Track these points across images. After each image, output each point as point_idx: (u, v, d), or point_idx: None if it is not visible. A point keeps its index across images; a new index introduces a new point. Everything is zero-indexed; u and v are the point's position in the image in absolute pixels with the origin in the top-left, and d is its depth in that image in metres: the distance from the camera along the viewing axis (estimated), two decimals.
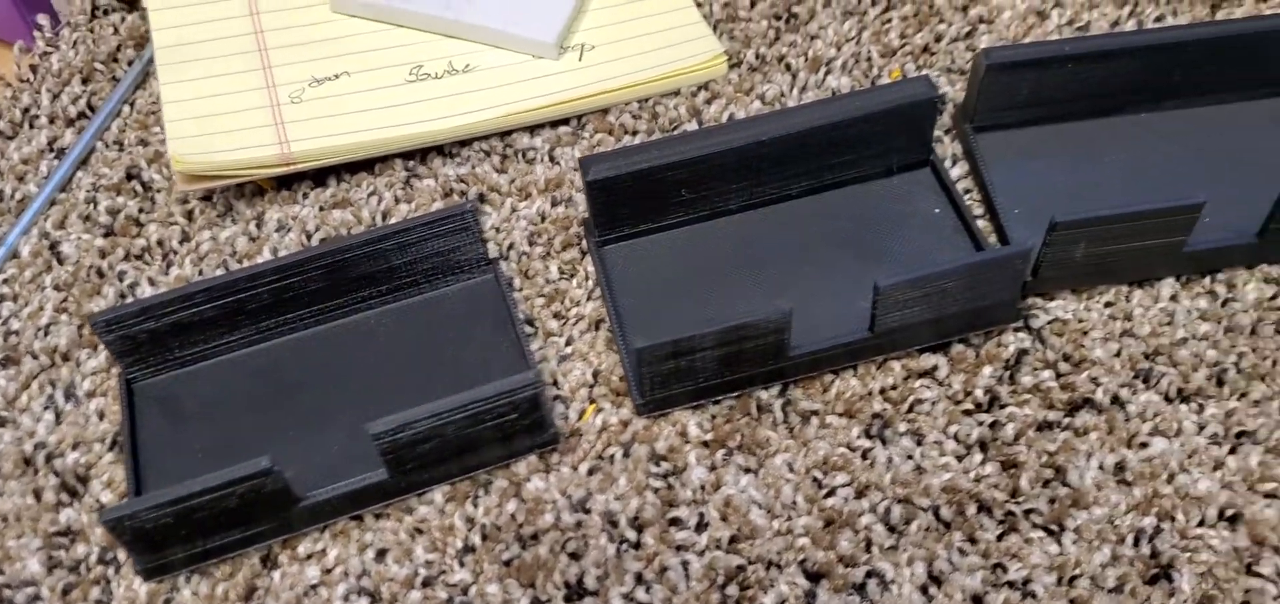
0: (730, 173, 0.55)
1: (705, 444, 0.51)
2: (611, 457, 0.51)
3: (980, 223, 0.57)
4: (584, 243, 0.57)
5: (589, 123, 0.63)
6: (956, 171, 0.59)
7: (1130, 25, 0.64)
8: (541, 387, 0.47)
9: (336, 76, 0.63)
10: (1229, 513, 0.48)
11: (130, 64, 0.68)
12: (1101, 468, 0.49)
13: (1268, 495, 0.48)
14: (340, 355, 0.53)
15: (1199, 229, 0.54)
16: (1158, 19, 0.64)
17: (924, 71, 0.63)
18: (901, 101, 0.54)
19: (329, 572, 0.48)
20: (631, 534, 0.48)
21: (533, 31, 0.63)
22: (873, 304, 0.49)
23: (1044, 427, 0.51)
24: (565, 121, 0.63)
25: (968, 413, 0.51)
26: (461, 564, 0.48)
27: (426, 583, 0.47)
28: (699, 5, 0.66)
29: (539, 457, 0.51)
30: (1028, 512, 0.48)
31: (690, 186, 0.55)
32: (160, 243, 0.59)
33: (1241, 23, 0.57)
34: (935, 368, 0.53)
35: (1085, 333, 0.53)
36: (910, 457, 0.50)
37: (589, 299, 0.56)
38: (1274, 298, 0.54)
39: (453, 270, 0.55)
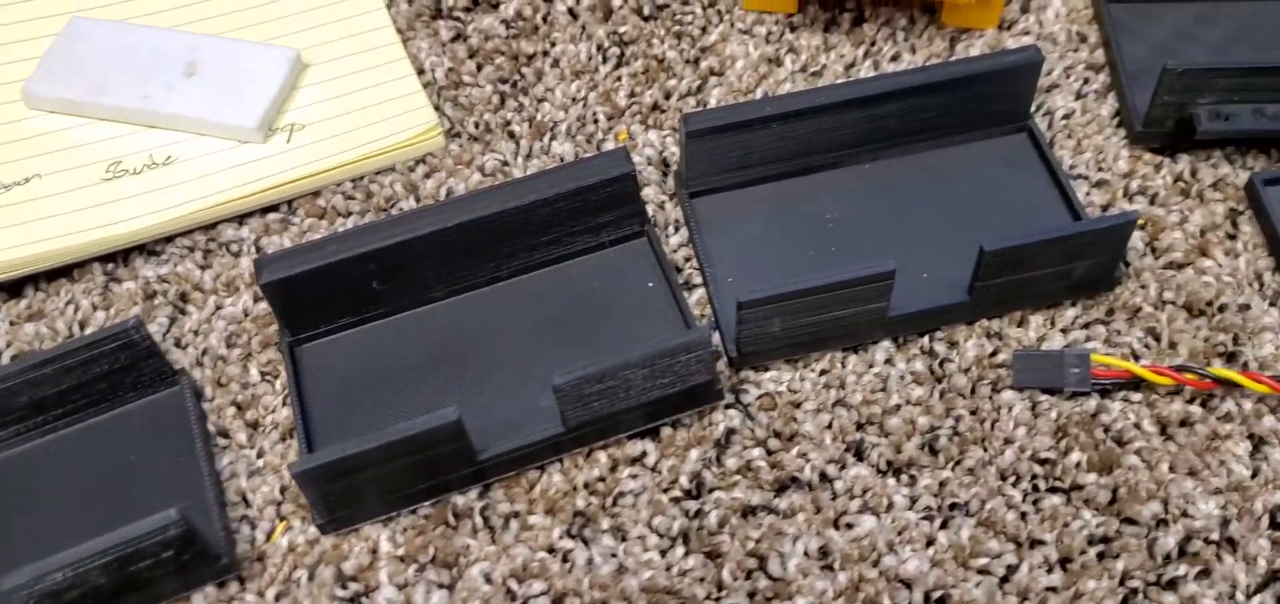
0: (427, 260, 0.52)
1: (399, 559, 0.48)
2: (298, 580, 0.47)
3: (700, 292, 0.54)
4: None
5: (300, 207, 0.59)
6: (678, 239, 0.56)
7: (866, 68, 0.62)
8: (187, 525, 0.44)
9: (27, 180, 0.59)
10: (937, 595, 0.46)
11: None
12: (806, 553, 0.47)
13: (980, 572, 0.46)
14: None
15: (915, 285, 0.52)
16: (894, 58, 0.62)
17: (652, 131, 0.60)
18: (601, 177, 0.52)
19: None
20: None
21: (235, 116, 0.60)
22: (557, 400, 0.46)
23: (749, 511, 0.48)
24: (274, 208, 0.59)
25: (675, 501, 0.49)
26: None
27: None
28: (422, 73, 0.63)
29: (218, 587, 0.47)
30: None
31: (384, 278, 0.52)
32: None
33: (955, 65, 0.55)
34: (644, 454, 0.50)
35: (798, 405, 0.51)
36: (614, 555, 0.48)
37: (284, 405, 0.52)
38: (993, 354, 0.52)
39: (130, 388, 0.51)
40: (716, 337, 0.52)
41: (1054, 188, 0.55)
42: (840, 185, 0.56)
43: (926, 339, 0.53)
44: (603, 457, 0.50)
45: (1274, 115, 0.54)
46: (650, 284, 0.54)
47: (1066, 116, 0.59)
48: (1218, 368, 0.50)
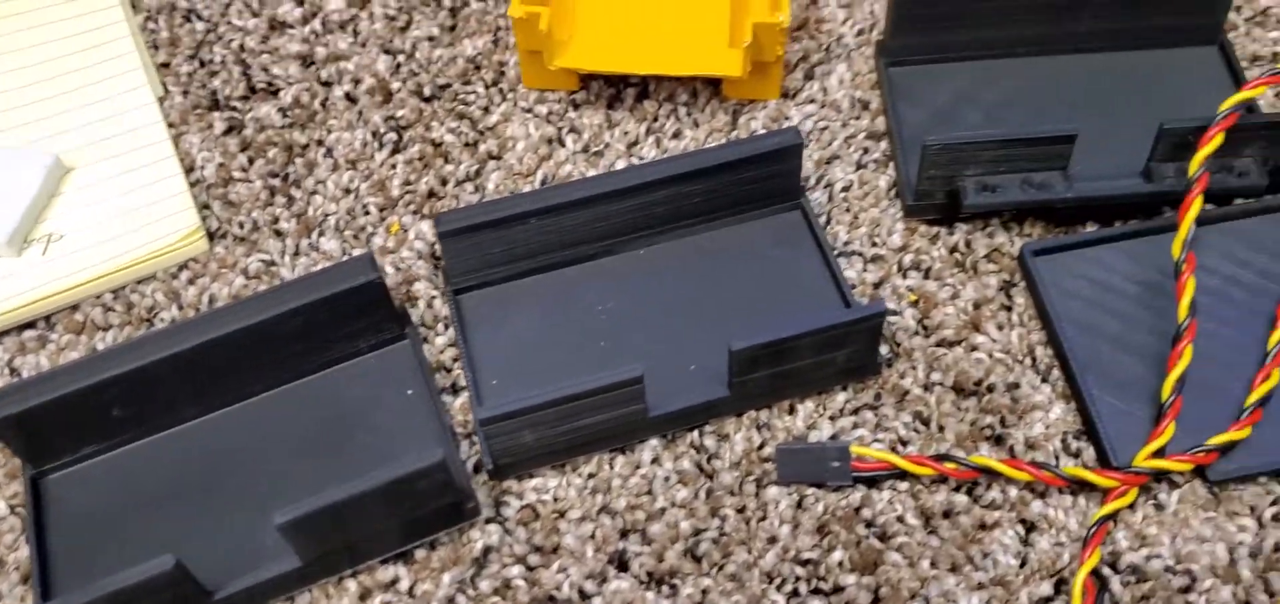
0: (171, 382, 0.50)
1: None
2: None
3: (466, 395, 0.52)
4: None
5: (59, 323, 0.56)
6: (447, 337, 0.54)
7: (649, 144, 0.61)
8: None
9: None
10: None
11: None
12: None
13: None
14: None
15: (682, 379, 0.51)
16: (676, 135, 0.61)
17: (425, 221, 0.58)
18: (346, 285, 0.50)
19: None
20: None
21: None
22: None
23: None
24: (31, 325, 0.56)
25: None
26: None
27: None
28: (191, 170, 0.61)
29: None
30: None
31: (125, 404, 0.49)
32: None
33: (715, 152, 0.54)
34: (396, 580, 0.48)
35: (562, 514, 0.49)
36: None
37: (24, 542, 0.50)
38: (761, 447, 0.50)
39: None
40: (479, 445, 0.50)
41: (826, 268, 0.54)
42: (613, 274, 0.55)
43: (697, 433, 0.51)
44: (353, 585, 0.48)
45: (1041, 185, 0.53)
46: (410, 391, 0.52)
47: (846, 189, 0.58)
48: (979, 456, 0.49)
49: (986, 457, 0.49)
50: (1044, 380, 0.52)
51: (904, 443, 0.51)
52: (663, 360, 0.51)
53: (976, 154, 0.52)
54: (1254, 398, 0.47)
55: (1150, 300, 0.51)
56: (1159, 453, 0.47)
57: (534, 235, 0.53)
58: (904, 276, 0.55)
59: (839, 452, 0.48)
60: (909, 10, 0.58)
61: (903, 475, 0.49)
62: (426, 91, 0.64)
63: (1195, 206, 0.48)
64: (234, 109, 0.64)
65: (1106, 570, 0.47)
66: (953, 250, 0.56)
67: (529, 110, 0.63)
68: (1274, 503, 0.48)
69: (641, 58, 0.59)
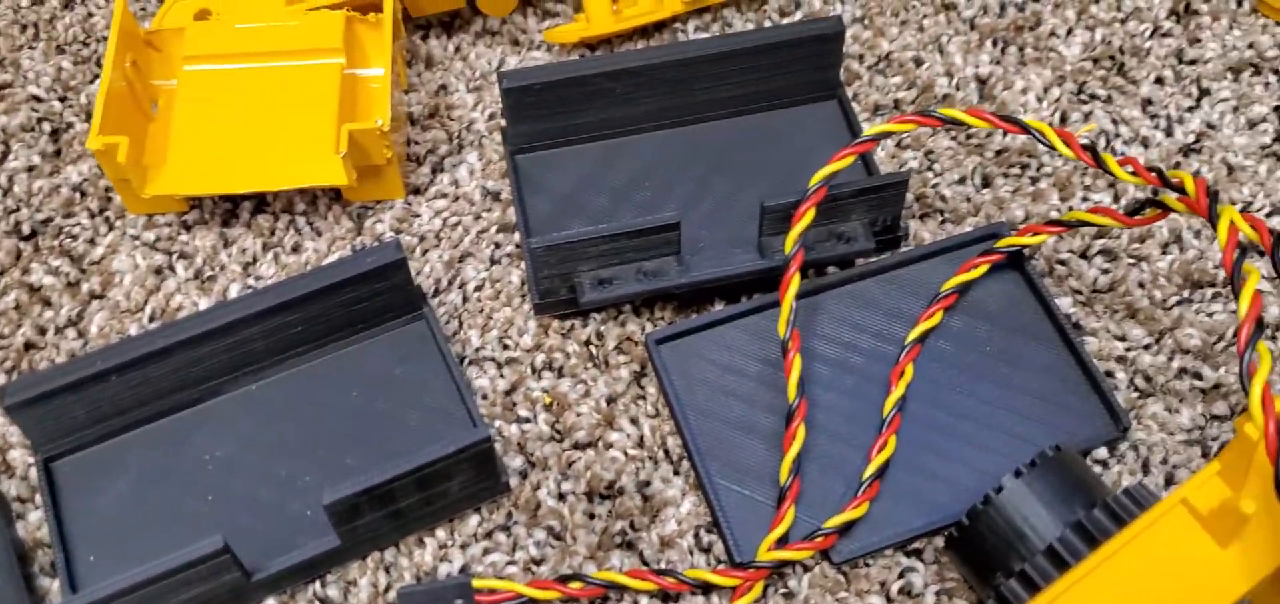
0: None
1: None
2: None
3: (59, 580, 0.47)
4: None
5: None
6: (39, 514, 0.49)
7: (268, 265, 0.57)
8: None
9: None
10: None
11: None
12: None
13: None
14: None
15: (293, 530, 0.48)
16: (296, 248, 0.57)
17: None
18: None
19: None
20: None
21: None
22: None
23: None
24: None
25: None
26: None
27: None
28: None
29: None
30: None
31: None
32: None
33: (303, 280, 0.50)
34: None
35: None
36: None
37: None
38: (387, 591, 0.47)
39: None
40: None
41: (453, 383, 0.51)
42: (222, 417, 0.51)
43: (319, 583, 0.48)
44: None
45: (654, 272, 0.52)
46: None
47: (478, 289, 0.56)
48: (605, 571, 0.47)
49: (612, 570, 0.47)
50: (676, 473, 0.50)
51: (538, 563, 0.49)
52: (274, 510, 0.48)
53: (585, 250, 0.51)
54: (871, 471, 0.47)
55: (772, 378, 0.51)
56: (782, 541, 0.46)
57: (121, 390, 0.49)
58: (538, 378, 0.53)
59: (460, 588, 0.46)
60: (520, 99, 0.55)
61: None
62: (25, 229, 0.59)
63: (794, 284, 0.48)
64: None
65: None
66: (585, 344, 0.54)
67: (137, 238, 0.58)
68: (900, 575, 0.47)
69: (242, 175, 0.55)
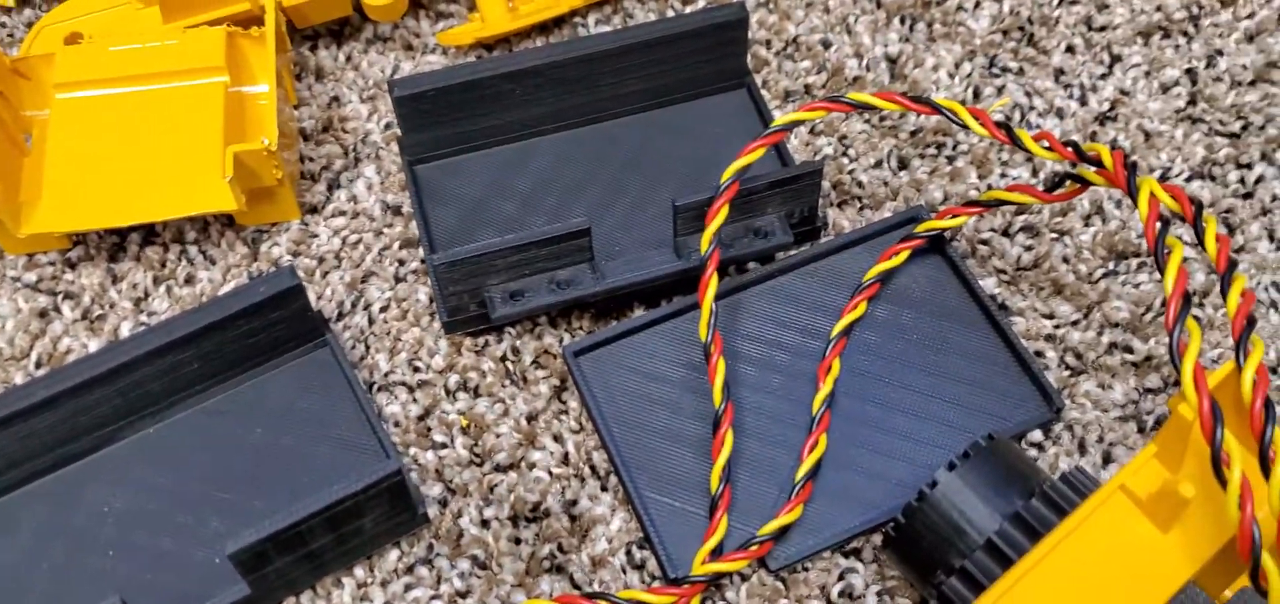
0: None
1: None
2: None
3: None
4: None
5: None
6: None
7: (160, 299, 0.54)
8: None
9: None
10: None
11: None
12: None
13: None
14: None
15: (205, 578, 0.45)
16: (189, 279, 0.54)
17: None
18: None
19: None
20: None
21: None
22: None
23: None
24: None
25: None
26: None
27: None
28: None
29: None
30: None
31: None
32: None
33: (179, 322, 0.47)
34: None
35: None
36: None
37: None
38: None
39: None
40: None
41: (360, 411, 0.48)
42: (119, 465, 0.48)
43: None
44: None
45: (568, 282, 0.49)
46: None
47: (384, 309, 0.53)
48: (534, 600, 0.45)
49: (542, 599, 0.45)
50: (604, 489, 0.49)
51: (464, 595, 0.46)
52: (179, 561, 0.46)
53: (492, 264, 0.48)
54: (803, 472, 0.46)
55: (696, 383, 0.49)
56: (716, 552, 0.45)
57: (8, 444, 0.46)
58: (453, 400, 0.51)
59: None
60: (413, 107, 0.53)
61: None
62: None
63: (712, 285, 0.46)
64: None
65: None
66: (501, 360, 0.52)
67: (17, 280, 0.55)
68: (840, 578, 0.46)
69: (125, 207, 0.52)
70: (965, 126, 0.46)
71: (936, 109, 0.47)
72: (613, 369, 0.50)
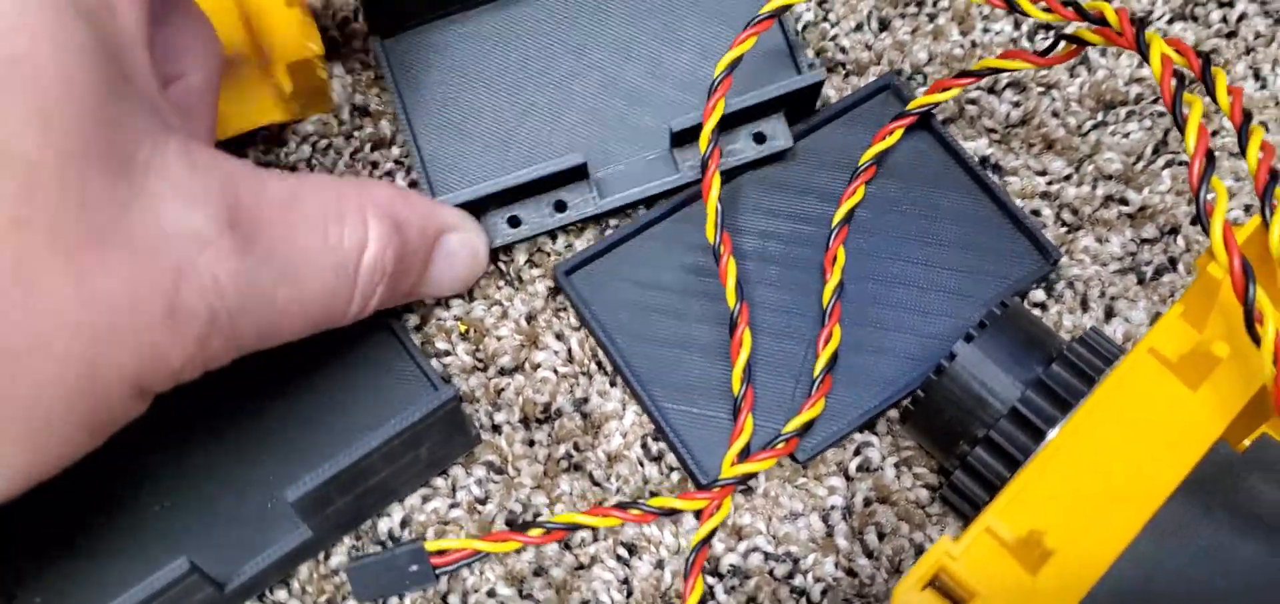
0: None
1: None
2: None
3: None
4: None
5: None
6: None
7: None
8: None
9: None
10: None
11: None
12: None
13: None
14: None
15: (264, 525, 0.44)
16: None
17: None
18: None
19: None
20: None
21: None
22: None
23: None
24: None
25: None
26: None
27: None
28: None
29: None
30: None
31: None
32: None
33: None
34: None
35: None
36: None
37: None
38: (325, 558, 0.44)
39: None
40: None
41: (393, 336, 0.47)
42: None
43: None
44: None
45: (566, 203, 0.48)
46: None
47: None
48: (563, 512, 0.45)
49: (571, 512, 0.45)
50: (613, 384, 0.48)
51: (482, 503, 0.46)
52: (231, 510, 0.44)
53: (492, 199, 0.47)
54: (820, 365, 0.45)
55: (695, 286, 0.48)
56: (743, 453, 0.44)
57: None
58: (447, 308, 0.49)
59: (412, 554, 0.43)
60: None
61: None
62: None
63: (715, 185, 0.45)
64: None
65: (710, 580, 0.44)
66: (494, 261, 0.50)
67: None
68: (856, 453, 0.46)
69: None
70: None
71: None
72: (607, 282, 0.48)
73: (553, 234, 0.50)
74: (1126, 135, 0.52)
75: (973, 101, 0.53)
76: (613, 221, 0.51)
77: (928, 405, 0.43)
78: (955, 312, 0.47)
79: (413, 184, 0.51)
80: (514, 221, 0.48)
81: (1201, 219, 0.38)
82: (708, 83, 0.46)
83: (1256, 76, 0.52)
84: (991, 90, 0.53)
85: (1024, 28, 0.54)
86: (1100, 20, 0.44)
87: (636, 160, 0.50)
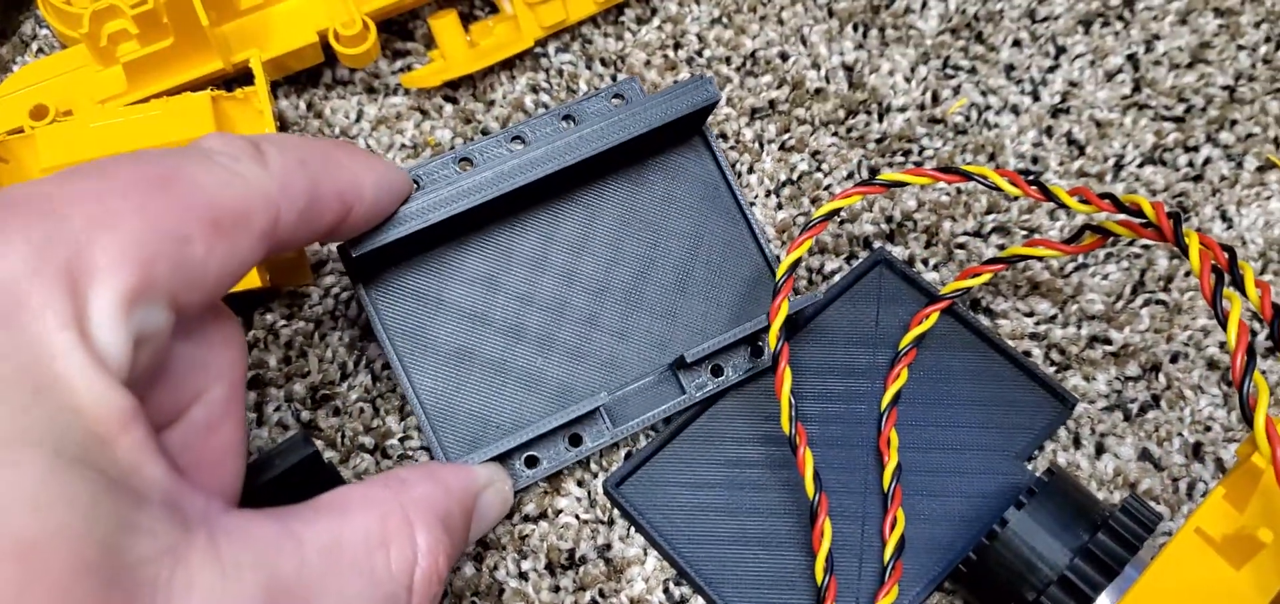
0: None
1: None
2: None
3: None
4: None
5: None
6: None
7: None
8: None
9: None
10: None
11: None
12: None
13: None
14: None
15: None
16: None
17: None
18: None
19: None
20: None
21: None
22: None
23: None
24: None
25: None
26: None
27: None
28: None
29: None
30: None
31: None
32: None
33: None
34: None
35: None
36: None
37: None
38: None
39: None
40: None
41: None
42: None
43: None
44: None
45: (581, 437, 0.50)
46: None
47: (386, 367, 0.51)
48: None
49: None
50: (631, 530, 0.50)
51: None
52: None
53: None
54: (890, 551, 0.47)
55: (741, 478, 0.49)
56: None
57: None
58: None
59: None
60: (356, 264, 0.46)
61: None
62: None
63: (787, 378, 0.46)
64: None
65: None
66: None
67: None
68: None
69: None
70: (999, 190, 0.48)
71: (967, 176, 0.48)
72: (657, 489, 0.50)
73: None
74: (1106, 277, 0.55)
75: (961, 245, 0.56)
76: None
77: (981, 569, 0.46)
78: (993, 467, 0.50)
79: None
80: (531, 462, 0.49)
81: (1244, 412, 0.41)
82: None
83: (1223, 218, 0.57)
84: (978, 233, 0.56)
85: (997, 159, 0.58)
86: (1138, 213, 0.47)
87: (641, 380, 0.51)
